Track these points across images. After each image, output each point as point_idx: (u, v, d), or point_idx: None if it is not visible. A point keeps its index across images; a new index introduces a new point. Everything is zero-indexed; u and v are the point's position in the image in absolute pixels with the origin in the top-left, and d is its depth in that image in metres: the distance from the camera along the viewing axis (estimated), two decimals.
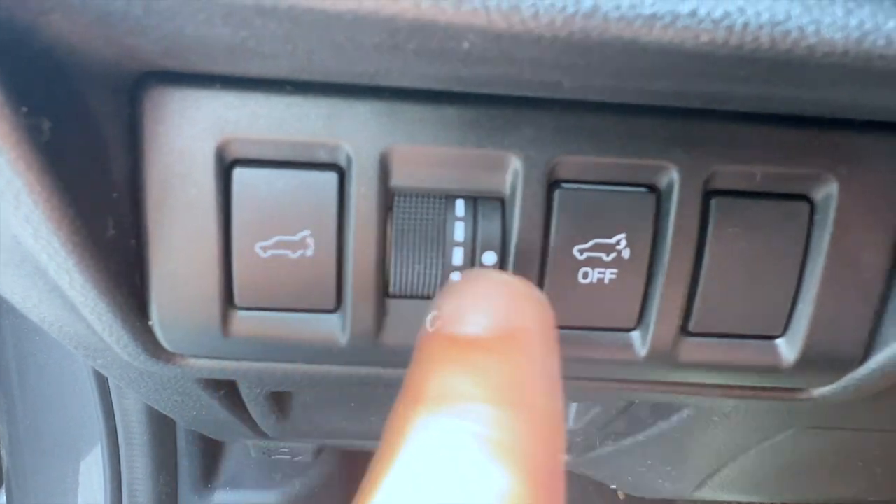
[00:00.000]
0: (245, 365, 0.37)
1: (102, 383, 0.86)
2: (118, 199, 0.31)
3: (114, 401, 0.85)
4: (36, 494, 0.94)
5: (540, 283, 0.33)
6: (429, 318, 0.27)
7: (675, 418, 0.51)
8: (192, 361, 0.37)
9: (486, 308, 0.25)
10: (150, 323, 0.34)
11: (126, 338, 0.34)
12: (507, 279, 0.26)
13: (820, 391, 0.38)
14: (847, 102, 0.29)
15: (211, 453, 0.96)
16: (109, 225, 0.30)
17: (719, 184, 0.32)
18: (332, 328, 0.34)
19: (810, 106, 0.30)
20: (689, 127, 0.32)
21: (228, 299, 0.33)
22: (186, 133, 0.31)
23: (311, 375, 0.38)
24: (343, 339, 0.34)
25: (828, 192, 0.33)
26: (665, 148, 0.32)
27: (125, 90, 0.30)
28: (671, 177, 0.32)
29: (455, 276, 0.32)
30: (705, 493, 0.70)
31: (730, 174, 0.32)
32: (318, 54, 0.27)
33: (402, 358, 0.36)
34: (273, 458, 0.81)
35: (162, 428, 0.89)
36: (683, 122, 0.32)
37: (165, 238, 0.32)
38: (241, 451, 0.98)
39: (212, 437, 0.81)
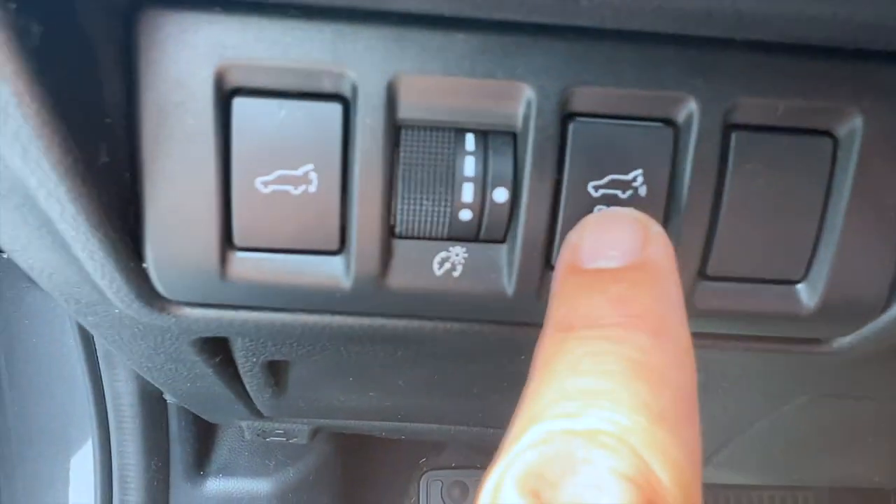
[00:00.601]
0: (242, 315, 0.36)
1: (93, 367, 0.84)
2: (112, 126, 0.29)
3: (105, 385, 0.84)
4: (24, 484, 0.92)
5: (553, 221, 0.32)
6: (563, 253, 0.28)
7: None
8: (188, 311, 0.35)
9: (622, 243, 0.27)
10: (145, 265, 0.32)
11: (119, 280, 0.32)
12: (639, 216, 0.28)
13: (839, 343, 0.37)
14: (874, 27, 0.28)
15: (204, 439, 0.94)
16: (102, 151, 0.29)
17: (740, 118, 0.31)
18: (334, 271, 0.33)
19: (838, 32, 0.29)
20: (710, 57, 0.30)
21: (227, 239, 0.32)
22: (183, 59, 0.29)
23: (311, 327, 0.36)
24: (346, 282, 0.33)
25: (852, 127, 0.31)
26: (684, 79, 0.30)
27: (120, 12, 0.29)
28: (690, 109, 0.31)
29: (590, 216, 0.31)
30: (709, 472, 0.69)
31: (751, 107, 0.31)
32: None
33: (408, 304, 0.35)
34: (268, 440, 0.80)
35: (154, 413, 0.87)
36: (703, 52, 0.30)
37: (161, 171, 0.31)
38: (234, 437, 0.96)
39: (205, 417, 0.79)
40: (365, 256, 0.32)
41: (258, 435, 0.78)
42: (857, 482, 0.78)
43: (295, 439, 0.78)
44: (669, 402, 0.23)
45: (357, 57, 0.30)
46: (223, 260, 0.32)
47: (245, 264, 0.32)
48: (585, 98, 0.31)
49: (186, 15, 0.29)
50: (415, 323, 0.36)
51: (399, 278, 0.33)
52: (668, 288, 0.26)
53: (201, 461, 0.94)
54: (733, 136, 0.31)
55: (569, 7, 0.28)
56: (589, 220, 0.29)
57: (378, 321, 0.36)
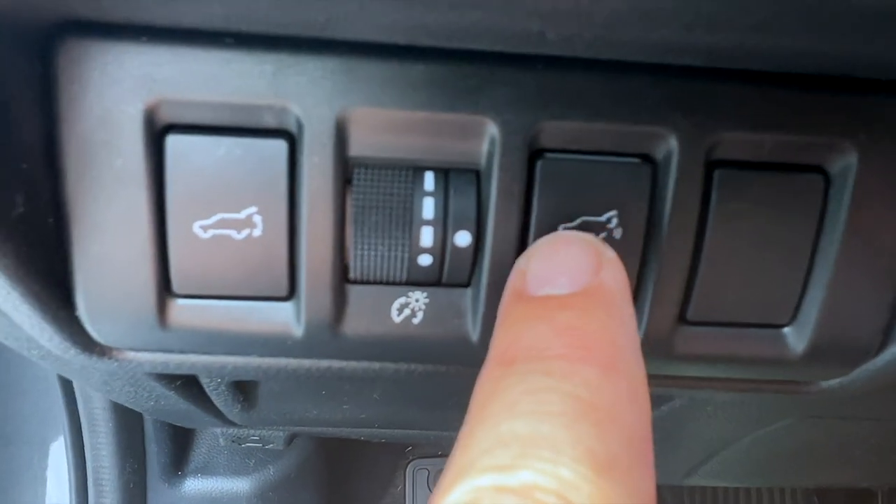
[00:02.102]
0: (191, 358, 0.33)
1: None
2: (29, 171, 0.27)
3: (76, 387, 0.81)
4: (1, 484, 0.90)
5: None
6: (511, 279, 0.26)
7: (665, 408, 0.48)
8: (132, 355, 0.33)
9: (572, 268, 0.25)
10: (77, 313, 0.30)
11: (49, 330, 0.30)
12: (591, 239, 0.26)
13: (829, 383, 0.34)
14: (871, 56, 0.26)
15: (181, 439, 0.92)
16: (18, 201, 0.26)
17: (723, 154, 0.29)
18: (285, 318, 0.30)
19: (828, 63, 0.27)
20: (690, 89, 0.28)
21: (165, 286, 0.29)
22: (109, 94, 0.26)
23: (265, 369, 0.34)
24: (298, 330, 0.30)
25: (846, 163, 0.29)
26: (662, 113, 0.28)
27: (35, 43, 0.26)
28: (669, 145, 0.28)
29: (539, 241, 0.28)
30: (695, 481, 0.67)
31: (735, 143, 0.28)
32: None
33: (364, 350, 0.32)
34: (243, 446, 0.78)
35: (128, 413, 0.85)
36: (683, 84, 0.28)
37: (89, 216, 0.28)
38: (212, 436, 0.94)
39: (178, 425, 0.77)
40: (317, 303, 0.30)
41: (233, 441, 0.76)
42: (842, 486, 0.77)
43: (271, 445, 0.76)
44: (620, 448, 0.20)
45: (301, 90, 0.27)
46: (161, 308, 0.30)
47: (186, 312, 0.30)
48: (555, 133, 0.28)
49: (111, 45, 0.26)
50: (375, 365, 0.34)
51: (355, 325, 0.30)
52: (621, 316, 0.24)
53: (179, 461, 0.92)
54: (716, 173, 0.29)
55: (535, 38, 0.25)
56: (538, 244, 0.27)
57: (336, 363, 0.34)
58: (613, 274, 0.25)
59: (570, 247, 0.25)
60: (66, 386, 0.81)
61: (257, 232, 0.28)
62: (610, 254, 0.25)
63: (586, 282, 0.24)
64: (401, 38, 0.26)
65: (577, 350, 0.22)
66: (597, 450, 0.20)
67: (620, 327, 0.23)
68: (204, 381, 0.50)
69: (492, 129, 0.28)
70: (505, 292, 0.26)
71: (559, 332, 0.23)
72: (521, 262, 0.26)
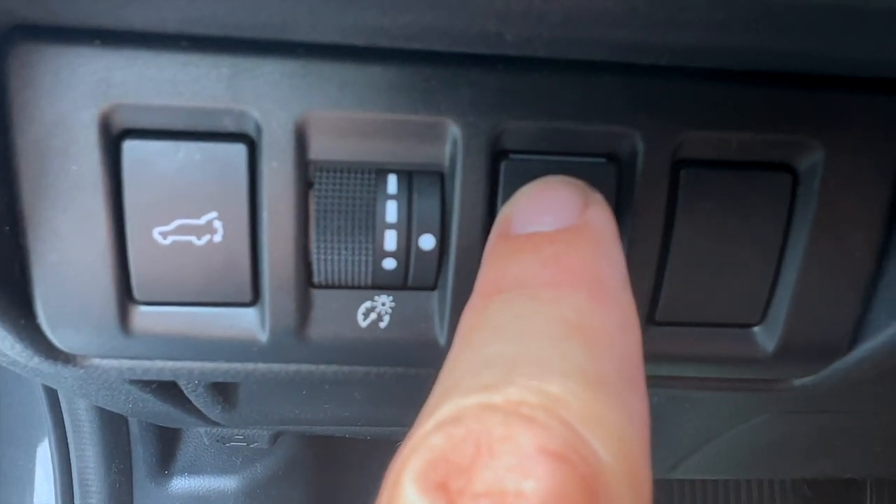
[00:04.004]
0: (158, 364, 0.33)
1: None
2: None
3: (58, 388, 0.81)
4: None
5: None
6: (496, 224, 0.25)
7: None
8: (97, 362, 0.32)
9: (557, 207, 0.24)
10: (38, 321, 0.29)
11: (10, 338, 0.29)
12: (577, 182, 0.25)
13: (801, 381, 0.34)
14: (839, 54, 0.25)
15: (167, 438, 0.92)
16: None
17: (689, 153, 0.28)
18: (249, 324, 0.30)
19: (795, 60, 0.26)
20: (655, 88, 0.27)
21: (126, 293, 0.29)
22: (63, 99, 0.26)
23: (233, 374, 0.34)
24: (263, 335, 0.30)
25: (813, 161, 0.29)
26: (627, 112, 0.27)
27: None
28: (634, 145, 0.28)
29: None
30: (680, 474, 0.67)
31: (701, 141, 0.28)
32: None
33: (331, 354, 0.32)
34: (228, 445, 0.77)
35: (112, 414, 0.84)
36: (648, 82, 0.27)
37: (46, 224, 0.27)
38: (199, 434, 0.94)
39: (161, 424, 0.77)
40: (281, 308, 0.29)
41: (217, 440, 0.75)
42: (827, 477, 0.77)
43: (256, 444, 0.76)
44: (610, 368, 0.19)
45: (259, 94, 0.26)
46: (124, 315, 0.29)
47: (149, 319, 0.30)
48: (518, 134, 0.28)
49: (63, 50, 0.26)
50: (345, 368, 0.33)
51: (320, 330, 0.30)
52: (609, 249, 0.23)
53: (165, 460, 0.92)
54: (683, 172, 0.28)
55: (494, 39, 0.25)
56: (523, 189, 0.26)
57: (305, 367, 0.33)
58: (600, 213, 0.24)
59: (556, 188, 0.25)
60: (49, 388, 0.81)
61: (218, 238, 0.28)
62: (597, 196, 0.25)
63: (573, 220, 0.24)
64: (359, 40, 0.26)
65: (566, 277, 0.22)
66: (586, 367, 0.19)
67: (608, 261, 0.23)
68: (182, 383, 0.50)
69: (454, 131, 0.27)
70: (490, 236, 0.25)
71: (545, 263, 0.22)
72: (506, 208, 0.26)
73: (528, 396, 0.18)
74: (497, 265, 0.23)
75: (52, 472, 0.86)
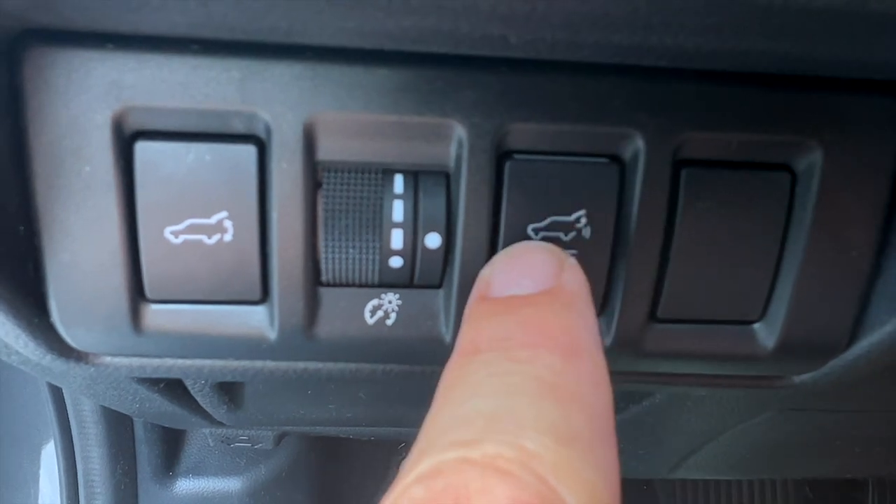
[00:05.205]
0: (168, 362, 0.33)
1: None
2: None
3: (64, 389, 0.81)
4: None
5: None
6: (475, 287, 0.26)
7: (646, 403, 0.48)
8: (108, 360, 0.33)
9: (535, 271, 0.25)
10: (52, 320, 0.30)
11: (24, 337, 0.30)
12: (552, 248, 0.27)
13: (801, 378, 0.35)
14: (836, 57, 0.26)
15: (171, 440, 0.92)
16: None
17: (690, 153, 0.29)
18: (258, 322, 0.30)
19: (792, 63, 0.27)
20: (656, 89, 0.28)
21: (138, 291, 0.29)
22: (77, 102, 0.26)
23: (242, 372, 0.34)
24: (272, 333, 0.30)
25: (811, 161, 0.29)
26: (629, 113, 0.28)
27: (0, 52, 0.26)
28: (636, 145, 0.28)
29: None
30: (682, 474, 0.68)
31: (702, 142, 0.29)
32: (218, 2, 0.22)
33: (339, 352, 0.32)
34: (233, 446, 0.78)
35: (117, 415, 0.85)
36: (649, 84, 0.28)
37: (60, 224, 0.28)
38: (203, 436, 0.94)
39: (167, 426, 0.77)
40: (289, 306, 0.30)
41: (222, 441, 0.76)
42: (828, 477, 0.77)
43: (260, 445, 0.76)
44: (582, 424, 0.20)
45: (269, 96, 0.27)
46: (135, 313, 0.30)
47: (160, 317, 0.30)
48: (522, 135, 0.28)
49: (78, 53, 0.26)
50: (352, 366, 0.34)
51: (328, 328, 0.31)
52: (583, 311, 0.24)
53: (170, 461, 0.92)
54: (683, 172, 0.29)
55: (498, 41, 0.25)
56: (500, 254, 0.27)
57: (313, 365, 0.34)
58: (574, 276, 0.25)
59: (532, 253, 0.26)
60: (55, 389, 0.81)
61: (228, 237, 0.29)
62: (571, 260, 0.26)
63: (549, 284, 0.25)
64: (366, 43, 0.26)
65: (541, 339, 0.23)
66: (559, 424, 0.20)
67: (582, 323, 0.24)
68: (188, 382, 0.50)
69: (459, 132, 0.28)
70: (470, 298, 0.27)
71: (522, 324, 0.23)
72: (485, 271, 0.27)
73: (504, 451, 0.19)
74: (476, 326, 0.24)
75: (56, 474, 0.86)
